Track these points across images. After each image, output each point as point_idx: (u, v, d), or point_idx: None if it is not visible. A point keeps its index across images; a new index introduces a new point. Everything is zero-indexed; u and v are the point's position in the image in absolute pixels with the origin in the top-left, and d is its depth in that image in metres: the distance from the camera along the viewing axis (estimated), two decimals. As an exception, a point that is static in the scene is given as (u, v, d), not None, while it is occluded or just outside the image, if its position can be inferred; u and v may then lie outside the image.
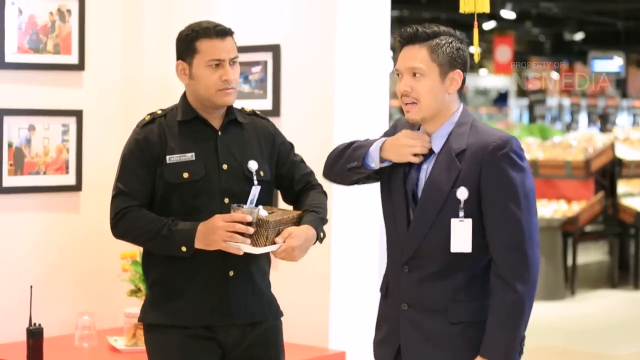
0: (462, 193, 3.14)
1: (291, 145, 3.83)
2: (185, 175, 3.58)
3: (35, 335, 4.24)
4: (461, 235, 3.15)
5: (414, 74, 3.21)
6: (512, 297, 3.12)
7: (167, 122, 3.65)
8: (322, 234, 3.64)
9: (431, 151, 3.26)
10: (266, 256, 3.67)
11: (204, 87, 3.60)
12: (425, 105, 3.21)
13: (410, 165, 3.26)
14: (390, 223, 3.32)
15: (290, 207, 3.77)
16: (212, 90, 3.59)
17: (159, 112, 3.70)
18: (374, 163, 3.30)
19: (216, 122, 3.66)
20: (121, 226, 3.62)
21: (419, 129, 3.31)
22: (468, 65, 3.28)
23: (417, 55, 3.21)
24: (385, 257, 3.42)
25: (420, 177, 3.25)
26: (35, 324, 4.26)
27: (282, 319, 3.75)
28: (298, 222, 3.59)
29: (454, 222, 3.15)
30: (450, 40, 3.22)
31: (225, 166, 3.61)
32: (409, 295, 3.24)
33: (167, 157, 3.59)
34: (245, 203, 3.51)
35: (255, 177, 3.59)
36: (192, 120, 3.64)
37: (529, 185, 3.17)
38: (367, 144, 3.34)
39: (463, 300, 3.19)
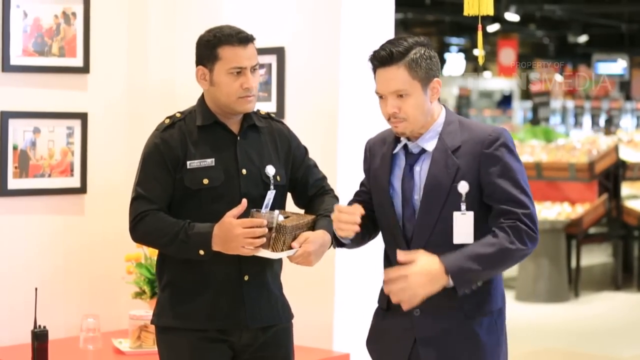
0: (463, 187, 3.23)
1: (305, 149, 3.84)
2: (205, 181, 3.57)
3: (40, 338, 4.25)
4: (463, 228, 3.25)
5: (399, 95, 3.27)
6: (499, 242, 3.18)
7: (186, 126, 3.65)
8: None
9: (422, 151, 3.33)
10: (279, 260, 3.68)
11: (225, 94, 3.59)
12: (413, 121, 3.29)
13: (402, 172, 3.35)
14: (389, 239, 3.40)
15: (302, 211, 3.78)
16: (232, 98, 3.59)
17: (178, 115, 3.69)
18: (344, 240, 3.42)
19: (235, 126, 3.66)
20: (139, 230, 3.61)
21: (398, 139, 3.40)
22: (440, 69, 3.37)
23: (397, 76, 3.27)
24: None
25: (415, 180, 3.33)
26: (40, 326, 4.26)
27: (288, 321, 3.77)
28: (312, 226, 3.60)
29: (456, 215, 3.23)
30: (422, 52, 3.28)
31: (244, 171, 3.61)
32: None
33: (188, 162, 3.59)
34: (261, 207, 3.51)
35: (272, 182, 3.60)
36: (212, 125, 3.64)
37: (522, 167, 3.31)
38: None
39: (475, 294, 3.26)
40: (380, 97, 3.32)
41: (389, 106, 3.28)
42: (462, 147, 3.27)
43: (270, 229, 3.45)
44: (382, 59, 3.29)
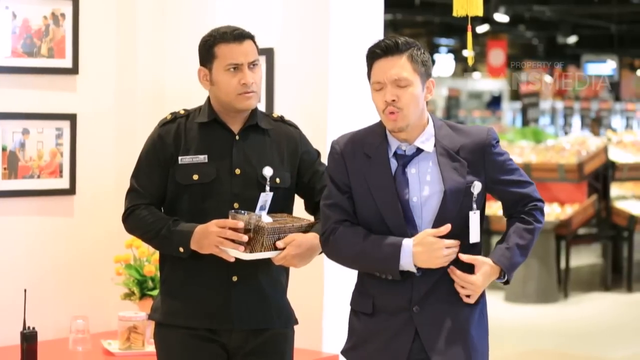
0: (477, 187, 3.30)
1: (317, 154, 3.82)
2: (195, 177, 3.59)
3: (29, 339, 4.25)
4: (475, 227, 3.33)
5: (399, 85, 3.27)
6: (534, 227, 3.37)
7: (187, 122, 3.67)
8: None
9: (416, 153, 3.33)
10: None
11: (225, 92, 3.61)
12: (409, 113, 3.28)
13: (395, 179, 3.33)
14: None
15: (312, 217, 3.75)
16: (232, 95, 3.60)
17: (182, 112, 3.72)
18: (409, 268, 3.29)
19: (236, 126, 3.67)
20: (129, 223, 3.68)
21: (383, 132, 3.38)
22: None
23: (402, 65, 3.28)
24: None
25: (410, 181, 3.31)
26: (29, 327, 4.26)
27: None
28: (308, 230, 3.58)
29: (471, 214, 3.31)
30: (422, 51, 3.33)
31: (238, 171, 3.61)
32: (422, 297, 3.30)
33: (180, 157, 3.61)
34: (255, 209, 3.50)
35: (268, 184, 3.57)
36: (211, 123, 3.66)
37: None
38: (390, 253, 3.27)
39: None
40: (378, 88, 3.29)
41: (387, 94, 3.26)
42: (462, 148, 3.34)
43: (248, 230, 3.45)
44: (387, 47, 3.29)
